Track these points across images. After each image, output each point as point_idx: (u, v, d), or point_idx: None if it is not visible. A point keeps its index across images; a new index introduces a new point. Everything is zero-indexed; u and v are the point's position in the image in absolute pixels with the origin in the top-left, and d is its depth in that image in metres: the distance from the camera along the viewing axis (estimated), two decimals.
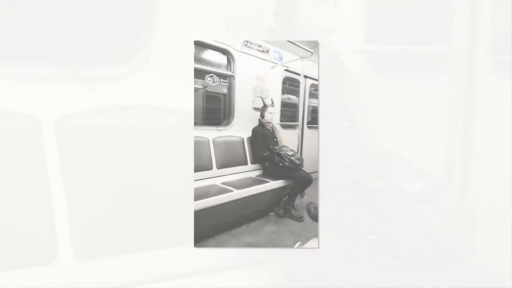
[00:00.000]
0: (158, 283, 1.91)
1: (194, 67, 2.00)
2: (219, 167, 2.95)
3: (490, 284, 2.09)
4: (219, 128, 3.13)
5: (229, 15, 1.99)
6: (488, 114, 2.20)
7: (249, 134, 3.31)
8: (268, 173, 3.16)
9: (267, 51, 3.46)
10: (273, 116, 3.38)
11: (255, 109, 3.38)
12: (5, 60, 1.79)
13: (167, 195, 1.91)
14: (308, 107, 4.06)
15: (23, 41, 1.80)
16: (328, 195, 2.10)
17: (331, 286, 2.05)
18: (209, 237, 2.45)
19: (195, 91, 2.11)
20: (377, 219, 2.14)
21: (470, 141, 2.22)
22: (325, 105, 2.12)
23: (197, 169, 2.18)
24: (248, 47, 3.22)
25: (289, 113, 3.98)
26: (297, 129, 3.85)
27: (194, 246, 1.96)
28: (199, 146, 2.81)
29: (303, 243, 2.15)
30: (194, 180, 2.00)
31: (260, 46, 3.33)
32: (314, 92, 4.00)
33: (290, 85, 3.93)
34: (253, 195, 2.76)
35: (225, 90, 3.19)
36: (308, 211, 3.00)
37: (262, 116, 3.31)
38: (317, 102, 2.17)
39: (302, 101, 3.97)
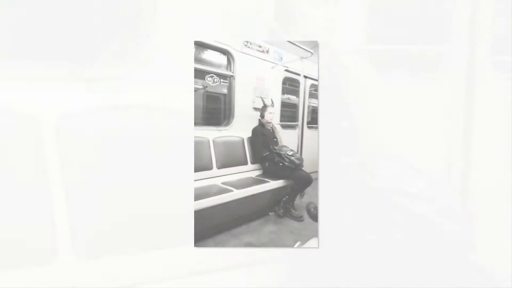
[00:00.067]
0: (158, 283, 1.91)
1: (194, 67, 2.00)
2: (219, 167, 2.95)
3: (490, 284, 2.09)
4: (219, 128, 3.13)
5: (229, 16, 1.99)
6: (488, 114, 2.20)
7: (249, 134, 3.31)
8: (268, 173, 3.16)
9: (267, 51, 3.46)
10: (273, 116, 3.38)
11: (255, 109, 3.38)
12: (5, 60, 1.79)
13: (167, 195, 1.91)
14: (308, 107, 4.07)
15: (23, 41, 1.80)
16: (328, 195, 2.10)
17: (331, 286, 2.05)
18: (209, 237, 2.45)
19: (195, 91, 2.12)
20: (377, 219, 2.14)
21: (470, 141, 2.22)
22: (325, 105, 2.12)
23: (197, 169, 2.18)
24: (248, 47, 3.22)
25: (289, 113, 3.98)
26: (297, 129, 3.85)
27: (194, 246, 1.96)
28: (199, 146, 2.81)
29: (303, 242, 2.15)
30: (194, 180, 2.00)
31: (260, 46, 3.34)
32: (314, 92, 4.01)
33: (290, 85, 3.93)
34: (253, 195, 2.76)
35: (225, 90, 3.19)
36: (308, 211, 3.00)
37: (262, 116, 3.31)
38: (317, 102, 2.17)
39: (302, 101, 3.97)
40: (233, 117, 3.21)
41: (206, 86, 2.93)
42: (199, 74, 2.86)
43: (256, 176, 3.18)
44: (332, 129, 2.13)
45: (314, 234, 2.08)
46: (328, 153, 2.11)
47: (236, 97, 3.21)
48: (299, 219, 3.00)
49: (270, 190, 2.93)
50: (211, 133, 2.98)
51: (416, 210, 2.11)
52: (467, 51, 2.20)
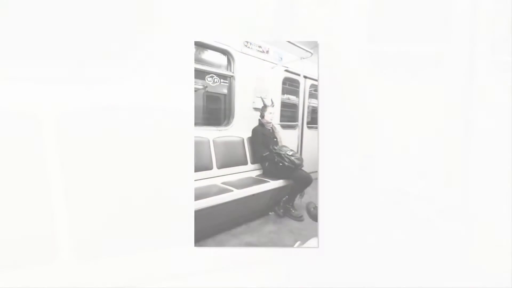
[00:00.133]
0: (159, 283, 1.91)
1: (195, 68, 2.00)
2: (219, 167, 2.95)
3: (490, 284, 2.09)
4: (219, 128, 3.13)
5: (229, 16, 2.00)
6: (488, 114, 2.21)
7: (249, 134, 3.31)
8: (268, 173, 3.16)
9: (267, 52, 3.45)
10: (273, 116, 3.38)
11: (255, 109, 3.38)
12: (5, 60, 1.79)
13: (167, 194, 1.91)
14: (308, 107, 4.07)
15: (24, 41, 1.81)
16: (328, 195, 2.11)
17: (331, 285, 2.05)
18: (209, 237, 2.45)
19: (195, 91, 2.12)
20: (377, 219, 2.14)
21: (470, 141, 2.22)
22: (325, 105, 2.13)
23: (198, 169, 2.18)
24: (248, 47, 3.22)
25: (289, 113, 3.98)
26: (297, 129, 3.85)
27: (195, 246, 1.96)
28: (200, 146, 2.81)
29: (303, 242, 2.15)
30: (195, 180, 2.00)
31: (260, 46, 3.33)
32: (313, 92, 4.01)
33: (290, 85, 3.94)
34: (253, 195, 2.76)
35: (225, 91, 3.19)
36: (308, 211, 3.00)
37: (262, 116, 3.31)
38: (316, 102, 2.17)
39: (302, 101, 3.98)
40: (233, 117, 3.21)
41: (206, 86, 2.93)
42: (199, 74, 2.86)
43: (256, 176, 3.18)
44: (332, 129, 2.13)
45: (314, 234, 2.08)
46: (328, 153, 2.12)
47: (236, 97, 3.21)
48: (299, 219, 3.00)
49: (270, 190, 2.93)
50: (211, 133, 2.98)
51: (416, 210, 2.11)
52: (467, 51, 2.20)
